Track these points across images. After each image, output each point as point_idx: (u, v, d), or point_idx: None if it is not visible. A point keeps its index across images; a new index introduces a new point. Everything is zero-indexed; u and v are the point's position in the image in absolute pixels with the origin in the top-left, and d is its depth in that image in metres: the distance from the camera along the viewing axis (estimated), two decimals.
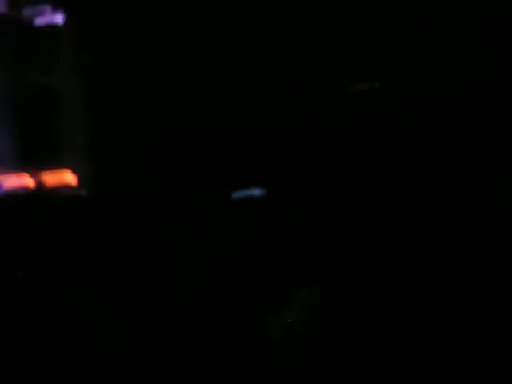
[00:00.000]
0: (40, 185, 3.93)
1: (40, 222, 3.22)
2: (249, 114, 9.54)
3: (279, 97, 9.06)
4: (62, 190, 7.94)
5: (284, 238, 3.21)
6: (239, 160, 9.69)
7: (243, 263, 2.98)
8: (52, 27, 11.94)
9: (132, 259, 3.08)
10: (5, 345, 2.67)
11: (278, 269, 3.18)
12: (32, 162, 13.17)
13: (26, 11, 11.99)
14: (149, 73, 10.41)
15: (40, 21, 11.72)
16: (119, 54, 10.44)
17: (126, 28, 10.23)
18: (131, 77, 10.43)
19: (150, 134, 10.76)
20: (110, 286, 2.87)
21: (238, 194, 5.91)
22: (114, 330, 2.71)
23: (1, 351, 2.71)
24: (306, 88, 9.28)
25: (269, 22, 9.22)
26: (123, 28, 10.24)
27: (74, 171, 12.27)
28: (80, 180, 11.79)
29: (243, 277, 2.87)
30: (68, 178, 12.35)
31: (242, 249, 3.08)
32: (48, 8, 11.93)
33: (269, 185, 5.85)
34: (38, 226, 3.21)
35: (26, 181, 12.63)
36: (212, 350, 2.80)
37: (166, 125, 10.52)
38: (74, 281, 2.88)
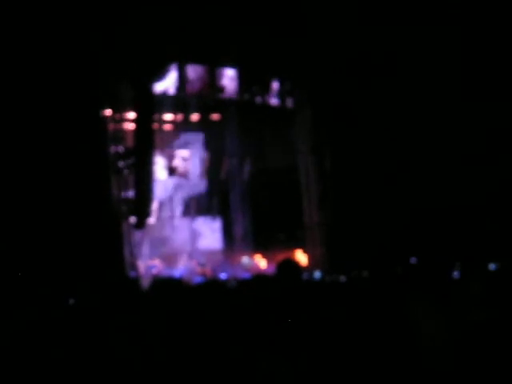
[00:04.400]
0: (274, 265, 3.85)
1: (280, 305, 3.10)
2: None
3: None
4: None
5: None
6: None
7: None
8: (283, 109, 12.01)
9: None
10: None
11: None
12: (265, 243, 12.98)
13: (257, 94, 12.16)
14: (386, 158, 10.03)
15: (271, 103, 11.83)
16: (352, 132, 10.20)
17: (359, 109, 9.99)
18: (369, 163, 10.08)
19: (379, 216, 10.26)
20: None
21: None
22: None
23: None
24: None
25: None
26: (355, 108, 10.02)
27: (306, 251, 12.04)
28: (312, 260, 11.54)
29: None
30: (300, 257, 12.12)
31: None
32: (279, 90, 12.02)
33: None
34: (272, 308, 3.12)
35: (260, 262, 12.52)
36: None
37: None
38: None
